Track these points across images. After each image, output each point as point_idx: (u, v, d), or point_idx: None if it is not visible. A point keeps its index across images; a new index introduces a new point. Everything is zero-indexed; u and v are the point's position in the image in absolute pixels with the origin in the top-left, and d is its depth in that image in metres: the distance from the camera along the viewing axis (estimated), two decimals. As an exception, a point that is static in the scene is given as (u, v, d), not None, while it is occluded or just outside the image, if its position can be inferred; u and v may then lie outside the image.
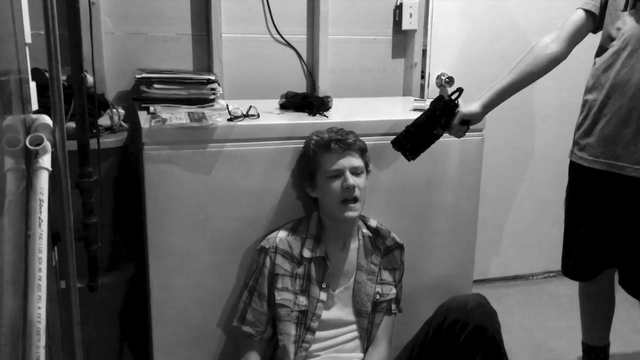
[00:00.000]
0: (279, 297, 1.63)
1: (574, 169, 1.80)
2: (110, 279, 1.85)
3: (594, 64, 1.71)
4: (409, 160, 1.73)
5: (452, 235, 1.99)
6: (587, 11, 1.71)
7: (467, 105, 1.72)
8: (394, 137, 1.72)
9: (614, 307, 1.96)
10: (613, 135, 1.63)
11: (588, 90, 1.73)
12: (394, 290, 1.76)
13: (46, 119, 1.08)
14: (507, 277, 2.99)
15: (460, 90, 1.70)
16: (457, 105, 1.70)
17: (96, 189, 1.36)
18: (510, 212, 2.92)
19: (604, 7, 1.69)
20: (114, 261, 1.92)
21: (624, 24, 1.59)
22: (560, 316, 2.60)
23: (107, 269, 1.87)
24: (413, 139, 1.69)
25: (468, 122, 1.73)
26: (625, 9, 1.60)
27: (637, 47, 1.55)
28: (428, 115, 1.69)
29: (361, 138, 1.69)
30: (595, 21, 1.71)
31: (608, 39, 1.65)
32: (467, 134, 1.78)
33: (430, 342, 1.64)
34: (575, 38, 1.72)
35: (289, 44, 2.35)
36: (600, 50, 1.69)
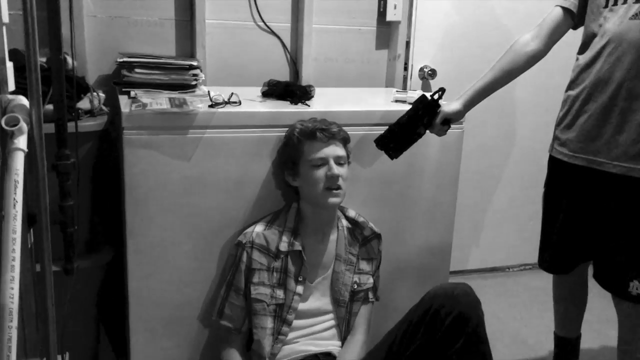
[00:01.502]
0: (255, 291, 1.64)
1: (554, 163, 1.82)
2: (88, 263, 1.84)
3: (577, 60, 1.73)
4: (392, 158, 1.76)
5: (430, 226, 2.01)
6: (565, 8, 1.73)
7: (449, 105, 1.75)
8: (377, 136, 1.74)
9: (586, 300, 2.00)
10: (593, 131, 1.65)
11: (570, 86, 1.75)
12: (371, 280, 1.78)
13: (22, 100, 1.08)
14: (484, 269, 3.03)
15: (442, 90, 1.73)
16: (439, 105, 1.73)
17: (74, 172, 1.35)
18: (488, 205, 2.96)
19: (583, 3, 1.70)
20: (91, 245, 1.91)
21: (605, 20, 1.61)
22: (534, 308, 2.65)
23: (84, 252, 1.86)
24: (396, 138, 1.72)
25: (450, 121, 1.76)
26: (606, 6, 1.62)
27: (619, 44, 1.57)
28: (411, 114, 1.72)
29: (343, 128, 1.70)
30: (574, 18, 1.73)
31: (590, 36, 1.67)
32: (447, 128, 1.81)
33: (415, 327, 1.67)
34: (555, 35, 1.74)
35: (272, 32, 2.34)
36: (583, 47, 1.71)
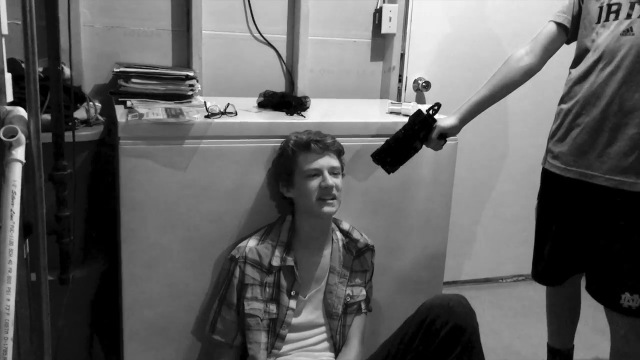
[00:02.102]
0: (248, 306, 1.64)
1: (547, 176, 1.84)
2: (83, 272, 1.84)
3: (569, 74, 1.75)
4: (389, 172, 1.78)
5: (424, 237, 2.02)
6: (558, 24, 1.76)
7: (445, 120, 1.77)
8: (374, 150, 1.76)
9: (579, 312, 2.01)
10: (586, 144, 1.67)
11: (562, 100, 1.77)
12: (363, 292, 1.79)
13: (21, 111, 1.08)
14: (478, 280, 3.04)
15: (438, 105, 1.76)
16: (435, 120, 1.75)
17: (70, 182, 1.36)
18: (482, 217, 2.97)
19: (576, 19, 1.73)
20: (87, 254, 1.91)
21: (597, 36, 1.64)
22: (527, 319, 2.66)
23: (79, 261, 1.86)
24: (393, 153, 1.74)
25: (446, 136, 1.77)
26: (598, 22, 1.64)
27: (611, 60, 1.59)
28: (407, 129, 1.73)
29: (338, 139, 1.71)
30: (567, 33, 1.76)
31: (583, 51, 1.69)
32: (441, 141, 1.83)
33: (411, 338, 1.68)
34: (549, 50, 1.77)
35: (269, 43, 2.36)
36: (576, 61, 1.73)
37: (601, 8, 1.63)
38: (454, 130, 1.79)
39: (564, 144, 1.73)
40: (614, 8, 1.60)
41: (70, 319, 1.67)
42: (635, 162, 1.59)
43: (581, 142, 1.68)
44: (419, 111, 1.75)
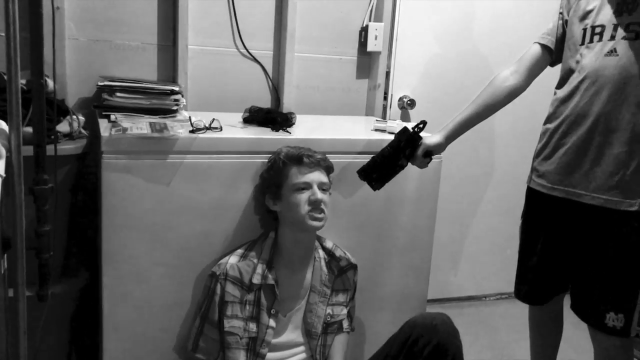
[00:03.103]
0: (228, 324, 1.61)
1: (532, 194, 1.85)
2: (62, 288, 1.81)
3: (555, 94, 1.77)
4: (375, 189, 1.78)
5: (408, 255, 2.02)
6: (543, 45, 1.78)
7: (430, 137, 1.77)
8: (360, 167, 1.76)
9: (562, 331, 2.01)
10: (572, 163, 1.69)
11: (548, 119, 1.79)
12: (344, 311, 1.77)
13: (2, 124, 1.06)
14: (461, 298, 3.04)
15: (423, 123, 1.76)
16: (420, 137, 1.76)
17: (51, 196, 1.34)
18: (466, 234, 2.98)
19: (560, 41, 1.76)
20: (66, 269, 1.88)
21: (582, 57, 1.66)
22: (511, 337, 2.66)
23: (59, 276, 1.83)
24: (379, 169, 1.74)
25: (431, 153, 1.78)
26: (582, 43, 1.67)
27: (595, 80, 1.61)
28: (393, 146, 1.74)
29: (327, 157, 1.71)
30: (551, 55, 1.78)
31: (568, 71, 1.71)
32: (426, 159, 1.84)
33: (394, 356, 1.67)
34: (534, 71, 1.79)
35: (255, 59, 2.36)
36: (561, 82, 1.75)
37: (585, 30, 1.66)
38: (439, 148, 1.79)
39: (550, 162, 1.74)
40: (597, 30, 1.63)
41: (48, 335, 1.64)
42: (620, 181, 1.61)
43: (567, 161, 1.69)
44: (405, 128, 1.76)
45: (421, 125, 1.76)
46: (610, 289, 1.67)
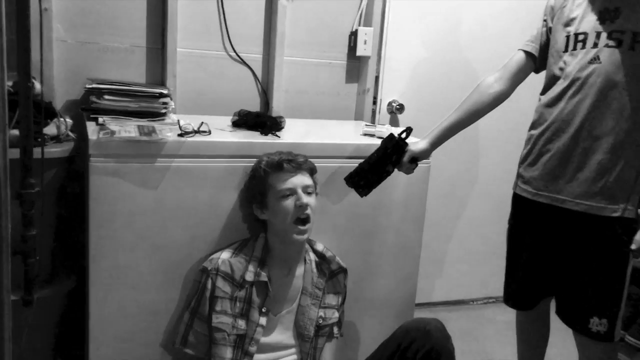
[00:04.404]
0: (216, 320, 1.61)
1: (517, 200, 1.86)
2: (49, 292, 1.80)
3: (539, 100, 1.78)
4: (362, 196, 1.78)
5: (396, 259, 2.02)
6: (527, 52, 1.80)
7: (416, 144, 1.79)
8: (347, 174, 1.76)
9: (548, 336, 2.02)
10: (556, 170, 1.70)
11: (533, 126, 1.80)
12: (336, 314, 1.77)
13: (-12, 127, 1.05)
14: (449, 302, 3.05)
15: (409, 130, 1.78)
16: (407, 144, 1.77)
17: (38, 200, 1.33)
18: (454, 239, 2.99)
19: (544, 48, 1.77)
20: (53, 273, 1.87)
21: (566, 64, 1.68)
22: (497, 341, 2.67)
23: (45, 280, 1.82)
24: (365, 176, 1.75)
25: (417, 159, 1.79)
26: (566, 50, 1.68)
27: (580, 87, 1.63)
28: (380, 153, 1.75)
29: (312, 160, 1.71)
30: (535, 62, 1.80)
31: (552, 78, 1.73)
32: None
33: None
34: (518, 78, 1.81)
35: (244, 62, 2.36)
36: (545, 88, 1.76)
37: (568, 37, 1.68)
38: (425, 154, 1.81)
39: (535, 169, 1.76)
40: (580, 37, 1.65)
41: (33, 340, 1.62)
42: (604, 187, 1.62)
43: (552, 167, 1.71)
44: (391, 135, 1.77)
45: (407, 132, 1.77)
46: (594, 294, 1.68)
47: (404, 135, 1.77)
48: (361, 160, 1.77)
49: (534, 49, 1.79)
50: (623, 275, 1.66)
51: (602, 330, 1.67)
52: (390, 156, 1.75)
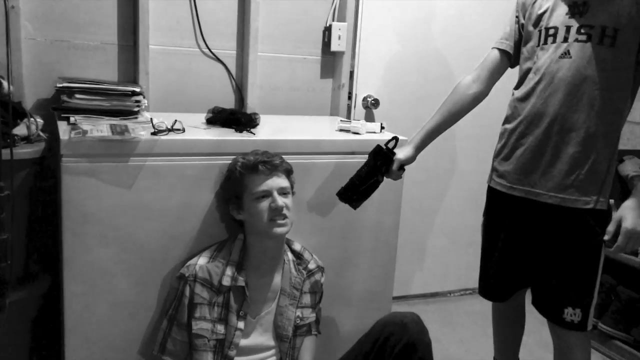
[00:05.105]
0: (196, 326, 1.60)
1: (492, 193, 1.88)
2: (23, 294, 1.77)
3: (512, 94, 1.80)
4: (355, 208, 1.81)
5: (373, 253, 2.03)
6: (502, 50, 1.82)
7: (402, 151, 1.80)
8: (339, 189, 1.78)
9: (524, 326, 2.06)
10: (530, 163, 1.72)
11: (506, 120, 1.82)
12: (313, 314, 1.77)
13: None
14: (427, 294, 3.08)
15: (396, 139, 1.80)
16: (394, 153, 1.79)
17: (8, 203, 1.31)
18: (430, 232, 3.02)
19: (518, 44, 1.79)
20: (27, 275, 1.84)
21: (538, 59, 1.70)
22: (475, 332, 2.70)
23: (19, 282, 1.79)
24: (357, 190, 1.77)
25: (403, 165, 1.82)
26: (537, 45, 1.71)
27: (551, 81, 1.65)
28: (370, 166, 1.77)
29: (287, 156, 1.71)
30: (510, 59, 1.82)
31: (525, 73, 1.75)
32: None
33: (365, 355, 1.69)
34: (495, 76, 1.83)
35: (218, 59, 2.34)
36: (518, 83, 1.78)
37: (540, 32, 1.70)
38: (411, 159, 1.83)
39: (509, 163, 1.78)
40: (551, 32, 1.67)
41: (8, 342, 1.60)
42: (576, 180, 1.65)
43: (525, 161, 1.73)
44: (379, 148, 1.79)
45: (394, 142, 1.80)
46: (568, 285, 1.71)
47: (391, 145, 1.79)
48: (351, 176, 1.77)
49: (508, 46, 1.81)
50: (596, 266, 1.69)
51: (575, 320, 1.71)
52: (380, 167, 1.78)
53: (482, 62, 1.85)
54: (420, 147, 1.83)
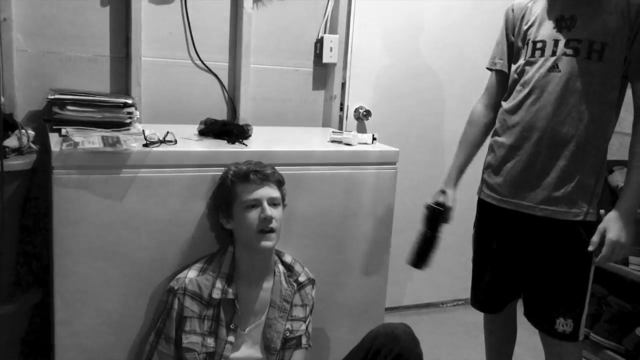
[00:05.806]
0: (186, 340, 1.59)
1: (483, 206, 1.90)
2: (14, 307, 1.76)
3: (502, 106, 1.82)
4: (424, 269, 1.88)
5: (366, 264, 2.03)
6: (499, 71, 1.85)
7: (448, 197, 1.86)
8: (411, 259, 1.86)
9: (515, 337, 2.06)
10: (520, 177, 1.74)
11: (496, 132, 1.84)
12: (303, 327, 1.76)
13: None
14: (419, 305, 3.08)
15: (444, 192, 1.87)
16: (444, 205, 1.85)
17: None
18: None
19: (510, 59, 1.82)
20: (17, 287, 1.83)
21: (525, 72, 1.72)
22: (467, 343, 2.70)
23: (9, 295, 1.78)
24: (428, 253, 1.85)
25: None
26: (525, 59, 1.72)
27: (540, 95, 1.67)
28: (433, 228, 1.85)
29: (279, 167, 1.71)
30: (509, 77, 1.83)
31: (513, 85, 1.77)
32: (381, 167, 1.94)
33: None
34: (500, 98, 1.85)
35: (210, 70, 2.35)
36: (507, 96, 1.80)
37: (527, 45, 1.72)
38: (454, 201, 1.88)
39: (499, 176, 1.79)
40: (539, 45, 1.69)
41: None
42: (566, 192, 1.67)
43: (515, 174, 1.74)
44: (434, 209, 1.85)
45: (443, 194, 1.87)
46: (559, 295, 1.72)
47: (441, 200, 1.85)
48: (417, 244, 1.85)
49: (504, 66, 1.84)
50: (587, 277, 1.71)
51: (567, 331, 1.71)
52: (438, 225, 1.84)
53: (487, 87, 1.90)
54: (456, 185, 1.90)
